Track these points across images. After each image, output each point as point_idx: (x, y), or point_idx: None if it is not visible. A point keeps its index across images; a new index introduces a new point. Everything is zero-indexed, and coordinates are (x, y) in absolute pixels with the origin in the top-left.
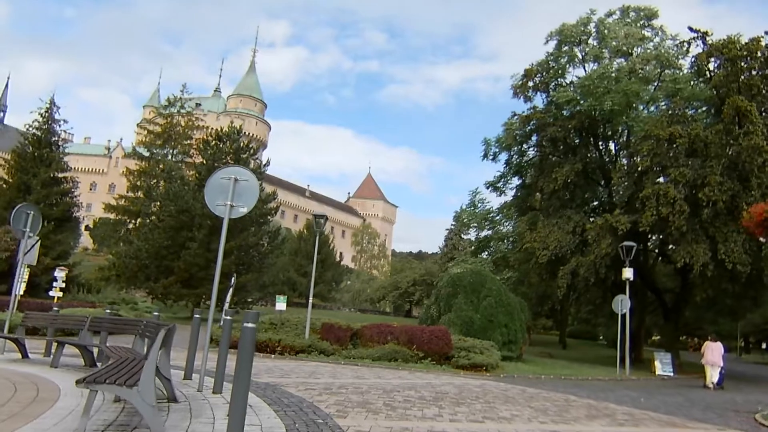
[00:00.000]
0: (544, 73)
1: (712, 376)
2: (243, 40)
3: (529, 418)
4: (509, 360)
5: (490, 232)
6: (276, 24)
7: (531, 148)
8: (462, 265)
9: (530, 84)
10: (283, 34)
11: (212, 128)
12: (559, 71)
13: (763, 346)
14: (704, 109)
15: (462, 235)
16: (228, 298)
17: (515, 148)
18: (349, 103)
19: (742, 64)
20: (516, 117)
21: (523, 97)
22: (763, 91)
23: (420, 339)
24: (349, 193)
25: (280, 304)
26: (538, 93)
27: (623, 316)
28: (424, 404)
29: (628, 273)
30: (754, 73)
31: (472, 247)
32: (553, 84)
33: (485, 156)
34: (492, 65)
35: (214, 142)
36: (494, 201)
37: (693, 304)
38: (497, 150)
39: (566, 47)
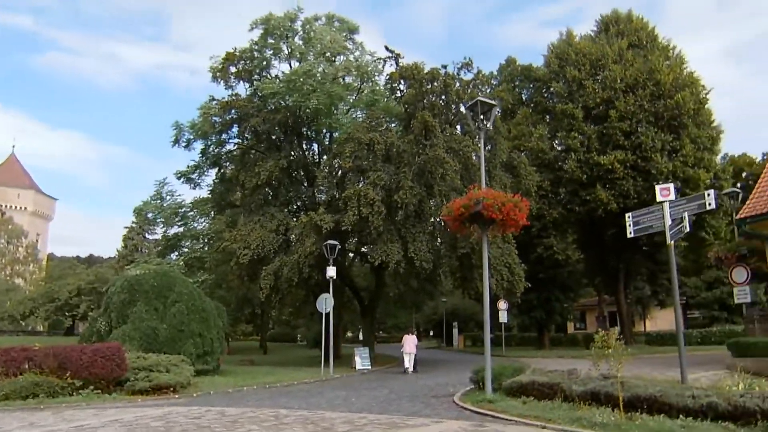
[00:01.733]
0: (248, 62)
1: (409, 363)
2: None
3: None
4: (205, 374)
5: (181, 229)
6: None
7: (231, 140)
8: (144, 266)
9: (232, 69)
10: None
11: None
12: (264, 63)
13: (431, 333)
14: (395, 123)
15: (147, 234)
16: None
17: (213, 137)
18: None
19: (427, 86)
20: (215, 102)
21: (224, 82)
22: (444, 112)
23: (78, 363)
24: None
25: None
26: (241, 81)
27: (327, 315)
28: None
29: (331, 271)
30: (434, 98)
31: (159, 248)
32: (257, 75)
33: (176, 142)
34: (190, 55)
35: None
36: (187, 194)
37: (385, 300)
38: (191, 136)
39: (272, 39)
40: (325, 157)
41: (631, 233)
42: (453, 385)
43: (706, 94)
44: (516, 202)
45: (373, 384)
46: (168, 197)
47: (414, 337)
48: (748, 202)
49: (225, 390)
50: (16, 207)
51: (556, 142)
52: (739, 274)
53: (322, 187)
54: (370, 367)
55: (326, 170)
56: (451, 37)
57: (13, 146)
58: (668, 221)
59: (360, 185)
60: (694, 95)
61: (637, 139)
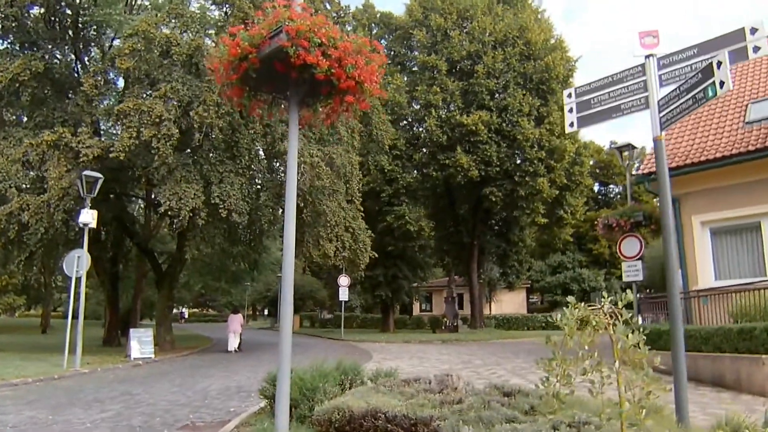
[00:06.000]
0: None
1: (234, 342)
2: None
3: None
4: None
5: None
6: None
7: None
8: None
9: None
10: None
11: None
12: None
13: (266, 312)
14: (214, 30)
15: None
16: None
17: None
18: None
19: None
20: None
21: None
22: None
23: None
24: None
25: None
26: None
27: (78, 280)
28: None
29: (86, 216)
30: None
31: None
32: None
33: None
34: None
35: None
36: None
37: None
38: None
39: None
40: (106, 58)
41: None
42: (247, 391)
43: (575, 61)
44: (361, 46)
45: (118, 390)
46: None
47: (239, 316)
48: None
49: None
50: None
51: (415, 97)
52: (630, 245)
53: (91, 102)
54: (152, 356)
55: (98, 77)
56: None
57: None
58: (655, 86)
59: (146, 100)
60: (564, 60)
61: (503, 100)
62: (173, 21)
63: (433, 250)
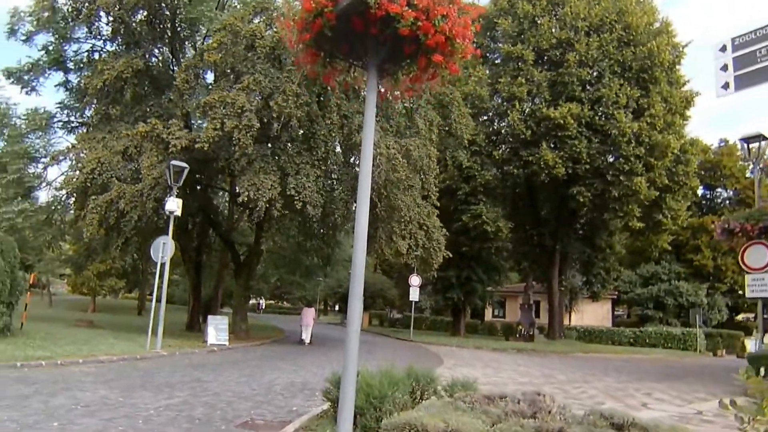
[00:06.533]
0: None
1: (306, 334)
2: None
3: None
4: None
5: (6, 144)
6: None
7: (85, 37)
8: None
9: None
10: None
11: None
12: None
13: (337, 308)
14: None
15: None
16: None
17: (59, 26)
18: None
19: None
20: None
21: None
22: None
23: None
24: None
25: None
26: None
27: (163, 266)
28: None
29: (172, 204)
30: None
31: None
32: None
33: (12, 33)
34: None
35: None
36: (25, 101)
37: (272, 260)
38: (32, 26)
39: None
40: (196, 53)
41: None
42: (312, 389)
43: (684, 47)
44: None
45: (189, 375)
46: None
47: (312, 309)
48: None
49: None
50: None
51: (497, 90)
52: (757, 254)
53: (182, 96)
54: (226, 343)
55: (189, 72)
56: None
57: None
58: None
59: (230, 92)
60: (669, 46)
61: (597, 91)
62: (258, 15)
63: (510, 253)
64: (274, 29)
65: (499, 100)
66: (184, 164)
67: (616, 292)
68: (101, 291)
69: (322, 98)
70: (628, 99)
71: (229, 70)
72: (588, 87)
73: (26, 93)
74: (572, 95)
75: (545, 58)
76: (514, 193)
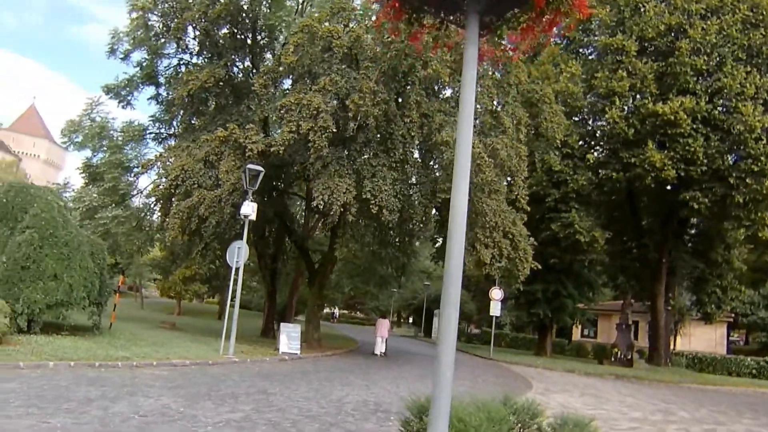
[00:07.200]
0: None
1: (381, 346)
2: None
3: None
4: (77, 332)
5: (105, 155)
6: None
7: (174, 52)
8: None
9: None
10: None
11: None
12: None
13: (411, 320)
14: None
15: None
16: None
17: (151, 42)
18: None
19: None
20: None
21: None
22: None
23: None
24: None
25: None
26: None
27: (237, 270)
28: None
29: (247, 208)
30: None
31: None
32: None
33: (112, 52)
34: None
35: None
36: (122, 115)
37: (348, 269)
38: (129, 45)
39: None
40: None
41: None
42: (386, 411)
43: None
44: None
45: (256, 386)
46: (99, 119)
47: (387, 321)
48: None
49: (31, 362)
50: (30, 154)
51: (592, 86)
52: None
53: (260, 102)
54: (298, 352)
55: (267, 77)
56: None
57: (34, 97)
58: None
59: (306, 94)
60: None
61: (716, 81)
62: (336, 16)
63: (605, 266)
64: (351, 28)
65: (595, 98)
66: (259, 167)
67: (733, 314)
68: (186, 295)
69: (400, 97)
70: (757, 89)
71: (305, 73)
72: (705, 77)
73: (122, 107)
74: (685, 87)
75: (651, 48)
76: (611, 200)
